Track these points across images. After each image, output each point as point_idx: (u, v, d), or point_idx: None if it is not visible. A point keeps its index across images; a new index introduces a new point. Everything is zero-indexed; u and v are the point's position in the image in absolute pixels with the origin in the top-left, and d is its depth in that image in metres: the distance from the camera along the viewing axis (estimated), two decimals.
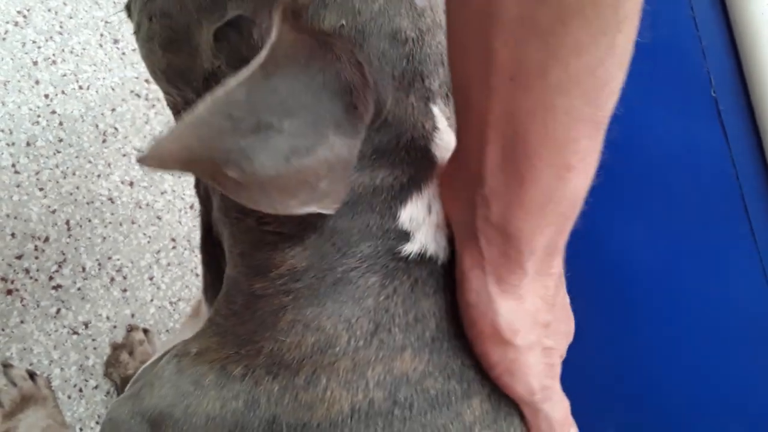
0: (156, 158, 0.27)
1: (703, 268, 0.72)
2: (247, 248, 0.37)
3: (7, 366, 0.76)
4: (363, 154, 0.35)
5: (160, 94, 1.05)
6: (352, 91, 0.30)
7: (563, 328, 0.37)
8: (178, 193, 1.04)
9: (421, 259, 0.36)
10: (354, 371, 0.33)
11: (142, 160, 0.26)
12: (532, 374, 0.35)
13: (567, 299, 0.38)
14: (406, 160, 0.36)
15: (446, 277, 0.36)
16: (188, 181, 1.05)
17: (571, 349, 0.39)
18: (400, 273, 0.35)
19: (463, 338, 0.36)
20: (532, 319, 0.34)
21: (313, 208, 0.30)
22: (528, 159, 0.28)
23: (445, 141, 0.37)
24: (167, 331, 0.96)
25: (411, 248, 0.35)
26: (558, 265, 0.34)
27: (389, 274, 0.35)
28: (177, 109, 0.42)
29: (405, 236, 0.36)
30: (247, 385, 0.34)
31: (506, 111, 0.27)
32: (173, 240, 1.01)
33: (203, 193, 0.43)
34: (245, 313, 0.37)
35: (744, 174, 0.66)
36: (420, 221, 0.36)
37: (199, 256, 1.04)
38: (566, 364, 0.39)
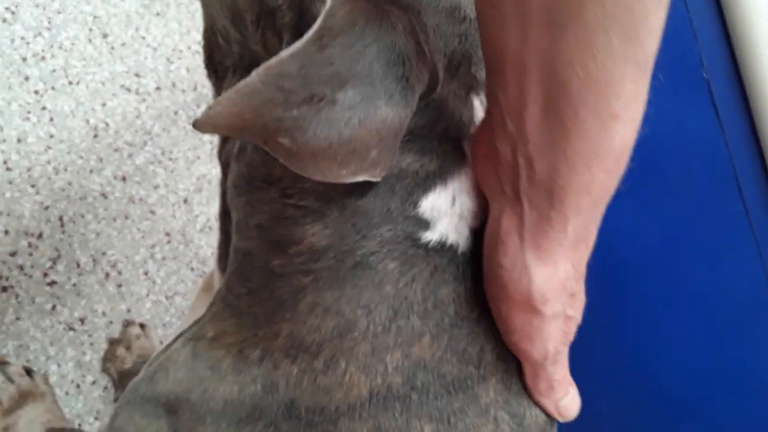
0: (209, 124, 0.27)
1: (697, 251, 0.72)
2: (266, 220, 0.36)
3: (3, 363, 0.76)
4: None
5: (151, 88, 1.04)
6: (405, 62, 0.30)
7: (583, 298, 0.37)
8: (171, 187, 1.03)
9: (441, 247, 0.35)
10: (373, 356, 0.33)
11: (197, 125, 0.27)
12: (550, 341, 0.35)
13: None
14: (436, 150, 0.35)
15: (466, 266, 0.36)
16: (181, 175, 1.05)
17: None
18: (419, 260, 0.35)
19: (484, 323, 0.36)
20: (563, 287, 0.33)
21: (362, 177, 0.30)
22: (571, 107, 0.27)
23: None
24: (164, 325, 0.96)
25: (431, 236, 0.35)
26: (595, 233, 0.33)
27: (408, 261, 0.35)
28: (226, 64, 0.40)
29: (425, 224, 0.35)
30: (266, 368, 0.34)
31: (544, 58, 0.27)
32: (167, 234, 1.01)
33: (224, 160, 0.42)
34: (263, 292, 0.36)
35: (738, 156, 0.66)
36: (442, 212, 0.35)
37: (194, 250, 1.04)
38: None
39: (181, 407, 0.36)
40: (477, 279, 0.36)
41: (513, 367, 0.37)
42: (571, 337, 0.37)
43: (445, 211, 0.36)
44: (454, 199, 0.36)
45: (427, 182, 0.35)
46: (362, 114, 0.28)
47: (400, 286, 0.34)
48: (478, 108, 0.37)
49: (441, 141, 0.35)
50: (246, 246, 0.38)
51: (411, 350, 0.34)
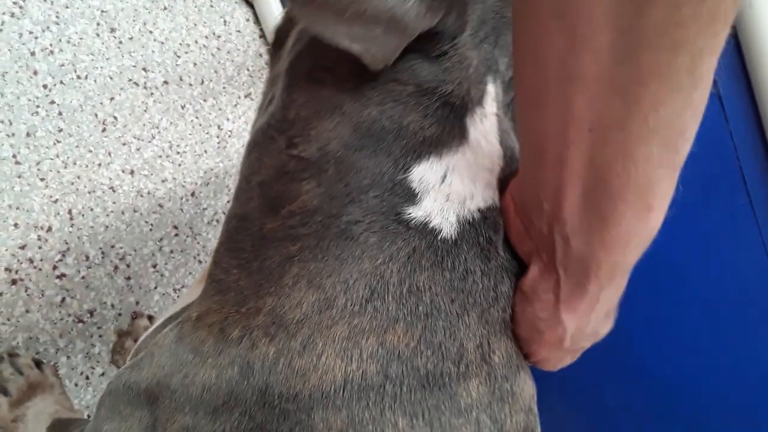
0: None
1: (701, 243, 0.72)
2: (269, 176, 0.37)
3: (13, 355, 0.77)
4: (405, 83, 0.36)
5: (158, 82, 1.05)
6: None
7: (605, 331, 0.40)
8: (179, 180, 1.04)
9: (423, 227, 0.35)
10: (349, 339, 0.33)
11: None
12: (565, 363, 0.41)
13: None
14: (438, 115, 0.36)
15: (446, 254, 0.36)
16: (188, 169, 1.05)
17: None
18: (399, 238, 0.35)
19: (465, 319, 0.36)
20: (591, 331, 0.37)
21: (357, 48, 0.32)
22: (611, 202, 0.29)
23: (485, 128, 0.37)
24: None
25: (415, 213, 0.35)
26: (623, 287, 0.36)
27: (388, 237, 0.35)
28: None
29: (412, 197, 0.35)
30: (244, 348, 0.34)
31: (586, 159, 0.28)
32: (175, 227, 1.01)
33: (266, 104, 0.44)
34: (253, 263, 0.36)
35: (742, 147, 0.66)
36: (430, 185, 0.36)
37: (202, 243, 1.04)
38: None
39: (162, 394, 0.35)
40: (457, 270, 0.36)
41: (500, 371, 0.36)
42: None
43: (434, 186, 0.36)
44: (444, 176, 0.36)
45: (422, 148, 0.36)
46: None
47: (377, 263, 0.35)
48: (490, 93, 0.38)
49: (444, 106, 0.36)
50: (243, 210, 0.38)
51: (386, 337, 0.34)
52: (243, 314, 0.35)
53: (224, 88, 1.15)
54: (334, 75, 0.37)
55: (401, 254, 0.35)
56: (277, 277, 0.35)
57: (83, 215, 0.91)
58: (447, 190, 0.36)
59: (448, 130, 0.36)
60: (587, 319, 0.36)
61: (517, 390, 0.37)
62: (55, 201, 0.88)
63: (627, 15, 0.24)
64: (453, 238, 0.36)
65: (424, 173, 0.36)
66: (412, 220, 0.35)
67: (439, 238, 0.36)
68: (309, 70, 0.38)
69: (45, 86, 0.91)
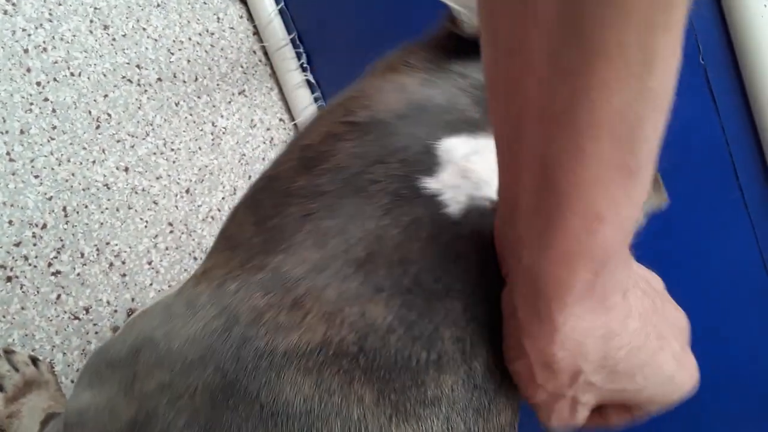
0: None
1: (692, 236, 0.72)
2: (313, 141, 0.38)
3: (9, 352, 0.77)
4: (468, 77, 0.37)
5: (152, 79, 1.05)
6: None
7: (602, 386, 0.35)
8: (174, 177, 1.04)
9: (431, 198, 0.35)
10: (336, 304, 0.32)
11: None
12: (562, 415, 0.35)
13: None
14: (486, 105, 0.37)
15: (442, 231, 0.35)
16: (182, 166, 1.05)
17: None
18: (407, 204, 0.35)
19: (447, 304, 0.34)
20: (560, 369, 0.32)
21: (457, 7, 0.35)
22: (558, 206, 0.26)
23: None
24: None
25: (429, 184, 0.35)
26: (618, 297, 0.31)
27: (398, 200, 0.35)
28: None
29: (433, 165, 0.36)
30: (236, 300, 0.34)
31: (537, 154, 0.26)
32: (170, 224, 1.01)
33: None
34: (270, 219, 0.36)
35: (734, 141, 0.66)
36: (453, 157, 0.36)
37: (197, 240, 1.04)
38: None
39: (145, 346, 0.34)
40: (450, 249, 0.35)
41: (479, 379, 0.34)
42: (578, 419, 0.35)
43: (456, 159, 0.36)
44: (470, 153, 0.36)
45: (461, 125, 0.37)
46: None
47: (381, 224, 0.34)
48: None
49: None
50: (276, 171, 0.39)
51: (368, 306, 0.33)
52: (247, 270, 0.35)
53: (218, 85, 1.15)
54: (408, 65, 0.39)
55: (404, 220, 0.34)
56: (290, 234, 0.35)
57: (78, 212, 0.91)
58: (467, 167, 0.36)
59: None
60: (550, 352, 0.31)
61: (494, 410, 0.35)
62: (50, 198, 0.88)
63: None
64: (456, 216, 0.35)
65: (453, 145, 0.36)
66: (425, 189, 0.35)
67: (442, 212, 0.35)
68: (388, 63, 0.41)
69: (38, 83, 0.91)
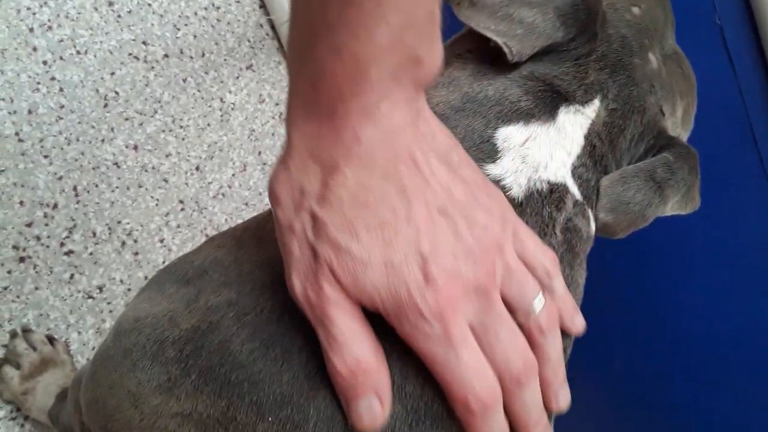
0: None
1: (711, 201, 0.71)
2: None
3: (27, 331, 0.78)
4: (520, 69, 0.41)
5: (159, 56, 1.04)
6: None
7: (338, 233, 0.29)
8: (183, 155, 1.03)
9: (496, 184, 0.37)
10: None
11: None
12: (293, 266, 0.30)
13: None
14: (538, 96, 0.40)
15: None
16: (192, 143, 1.05)
17: None
18: None
19: None
20: (295, 188, 0.30)
21: (500, 40, 0.39)
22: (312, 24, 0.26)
23: (576, 120, 0.41)
24: None
25: (492, 170, 0.38)
26: (360, 130, 0.28)
27: None
28: None
29: (493, 153, 0.38)
30: (226, 255, 0.36)
31: None
32: (181, 202, 1.01)
33: None
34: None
35: (751, 103, 0.64)
36: (512, 145, 0.39)
37: (208, 217, 1.04)
38: None
39: (212, 268, 0.36)
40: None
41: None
42: (325, 277, 0.28)
43: (515, 146, 0.39)
44: (526, 140, 0.39)
45: (513, 115, 0.40)
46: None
47: None
48: (595, 105, 0.42)
49: (546, 91, 0.41)
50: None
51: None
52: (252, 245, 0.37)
53: (225, 60, 1.13)
54: (461, 59, 0.43)
55: None
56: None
57: (88, 191, 0.91)
58: (525, 153, 0.39)
59: (541, 107, 0.40)
60: (277, 170, 0.30)
61: None
62: (60, 178, 0.88)
63: None
64: (520, 199, 0.38)
65: (509, 134, 0.39)
66: (488, 175, 0.37)
67: (507, 195, 0.37)
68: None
69: (45, 62, 0.90)
